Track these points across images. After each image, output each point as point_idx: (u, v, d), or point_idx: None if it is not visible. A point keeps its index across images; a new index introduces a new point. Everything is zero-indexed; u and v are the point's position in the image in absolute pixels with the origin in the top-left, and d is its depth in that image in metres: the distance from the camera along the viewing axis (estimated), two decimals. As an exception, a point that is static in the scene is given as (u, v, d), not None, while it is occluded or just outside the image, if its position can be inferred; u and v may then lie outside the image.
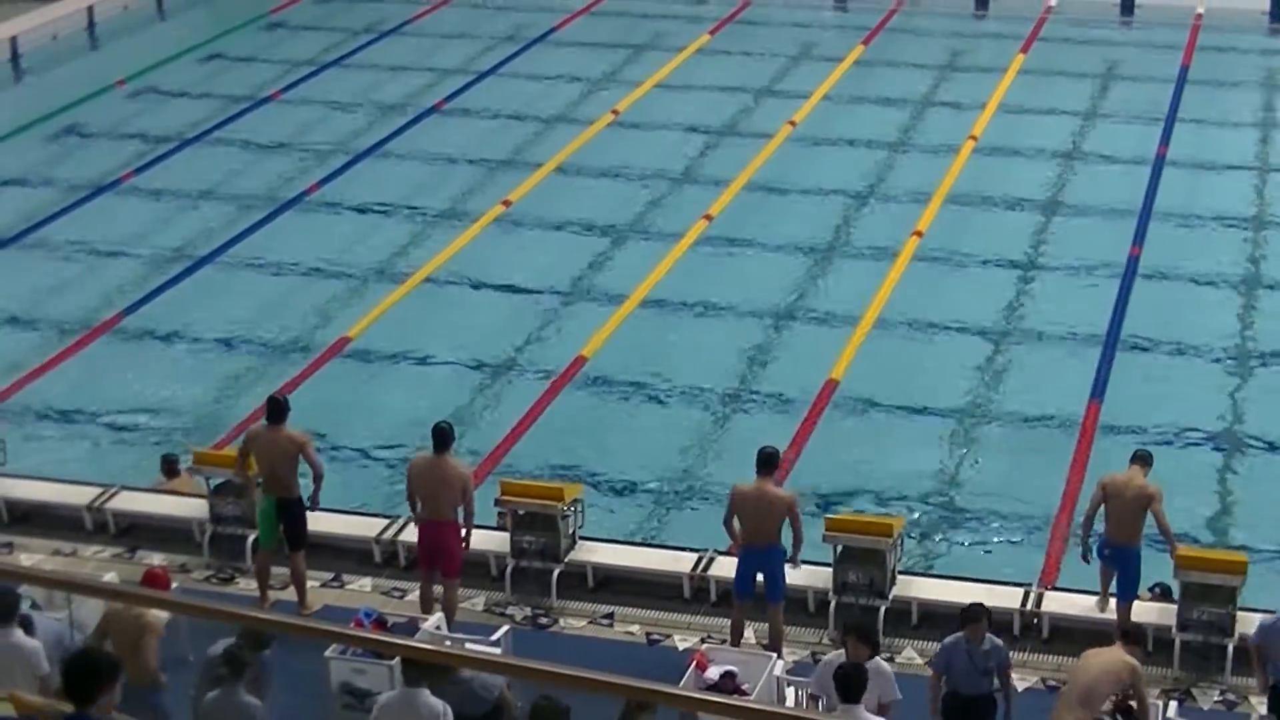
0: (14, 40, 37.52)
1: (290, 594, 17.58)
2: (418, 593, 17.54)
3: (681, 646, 17.09)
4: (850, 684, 13.41)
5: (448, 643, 15.22)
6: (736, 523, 16.62)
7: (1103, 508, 16.90)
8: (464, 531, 17.00)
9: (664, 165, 30.68)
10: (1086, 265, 26.43)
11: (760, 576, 16.64)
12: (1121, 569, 16.93)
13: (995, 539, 19.89)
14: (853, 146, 31.59)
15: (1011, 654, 16.82)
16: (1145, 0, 39.69)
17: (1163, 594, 17.51)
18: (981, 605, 15.28)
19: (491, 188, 29.73)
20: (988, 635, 15.05)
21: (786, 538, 16.62)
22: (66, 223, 28.33)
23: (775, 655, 16.07)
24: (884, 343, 23.97)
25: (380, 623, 16.10)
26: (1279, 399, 22.83)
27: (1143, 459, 17.10)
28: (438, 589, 17.20)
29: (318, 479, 17.25)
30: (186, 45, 37.77)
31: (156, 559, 18.67)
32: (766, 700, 14.72)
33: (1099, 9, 39.58)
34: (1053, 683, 16.29)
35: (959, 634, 15.02)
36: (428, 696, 13.75)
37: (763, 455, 16.62)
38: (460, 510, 16.96)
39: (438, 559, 17.02)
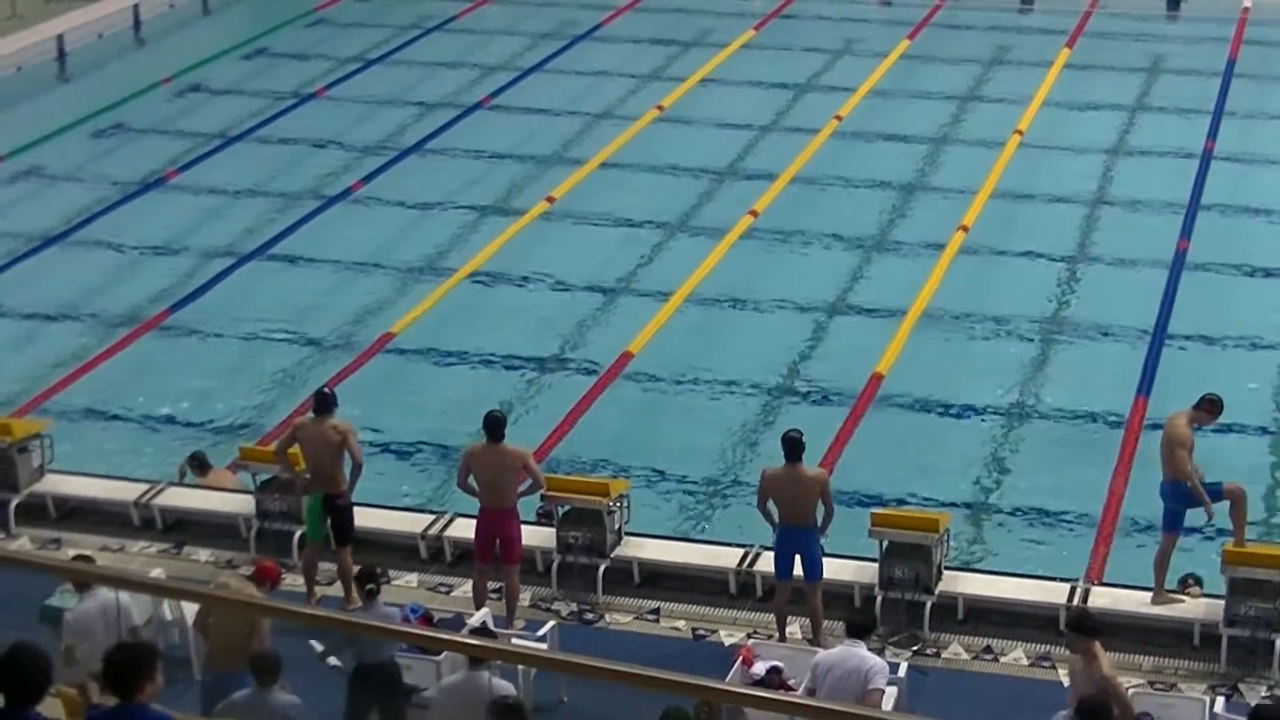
0: (60, 38, 37.71)
1: (337, 590, 17.62)
2: (467, 587, 17.59)
3: (728, 642, 17.08)
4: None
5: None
6: (771, 505, 16.71)
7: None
8: (529, 489, 17.18)
9: (709, 161, 30.66)
10: (1133, 260, 26.34)
11: (798, 557, 16.67)
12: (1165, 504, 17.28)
13: (1041, 534, 19.82)
14: (898, 141, 31.53)
15: (1058, 649, 16.85)
16: (1191, -6, 39.58)
17: (1194, 583, 17.51)
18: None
19: (536, 184, 29.75)
20: None
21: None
22: (112, 220, 28.48)
23: (821, 649, 16.04)
24: (929, 337, 23.92)
25: (426, 618, 16.14)
26: (1328, 393, 22.74)
27: (1203, 404, 17.16)
28: (491, 584, 17.28)
29: (355, 470, 17.30)
30: (231, 43, 37.96)
31: (203, 554, 18.77)
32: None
33: (1145, 3, 39.39)
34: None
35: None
36: (487, 678, 13.77)
37: (789, 440, 16.66)
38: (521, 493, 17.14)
39: (498, 547, 17.07)
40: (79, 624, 14.70)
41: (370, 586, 15.42)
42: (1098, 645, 14.12)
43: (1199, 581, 17.55)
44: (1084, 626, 14.36)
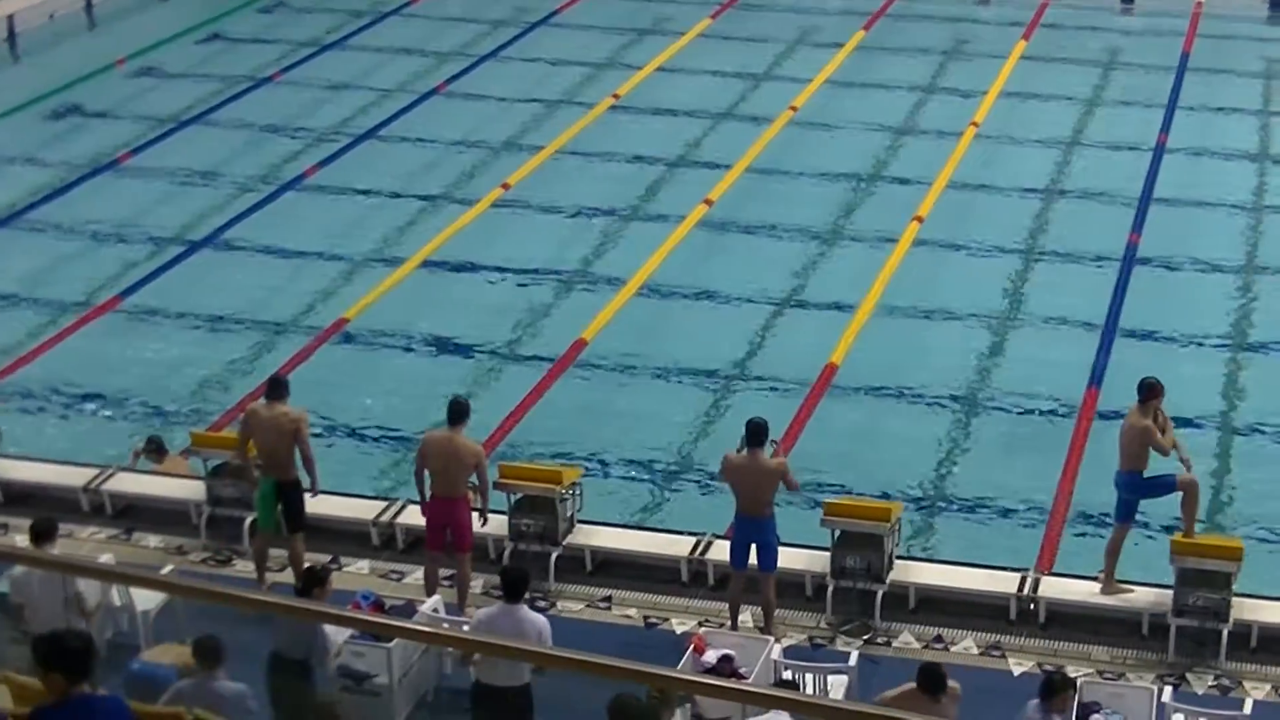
0: (11, 19, 37.44)
1: (288, 576, 17.56)
2: (419, 573, 17.59)
3: (679, 630, 17.11)
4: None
5: (445, 625, 15.24)
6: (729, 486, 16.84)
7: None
8: (480, 507, 17.11)
9: (664, 149, 30.65)
10: (1086, 252, 26.44)
11: (754, 547, 16.71)
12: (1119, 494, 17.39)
13: (993, 524, 19.90)
14: (854, 132, 31.55)
15: (1008, 638, 16.94)
16: (1146, -12, 39.76)
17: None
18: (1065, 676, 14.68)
19: (491, 171, 29.71)
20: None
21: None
22: (65, 203, 28.32)
23: (773, 639, 16.12)
24: (884, 328, 23.97)
25: (378, 605, 16.12)
26: (1277, 385, 22.86)
27: (1145, 393, 17.17)
28: (443, 571, 17.27)
29: (307, 462, 17.26)
30: (186, 26, 37.73)
31: (153, 541, 18.69)
32: (764, 684, 14.73)
33: (1100, -4, 39.58)
34: (1049, 667, 16.28)
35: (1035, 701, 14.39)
36: (528, 611, 14.79)
37: (751, 427, 16.69)
38: (472, 485, 17.06)
39: (449, 535, 17.04)
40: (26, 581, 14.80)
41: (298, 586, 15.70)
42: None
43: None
44: (944, 681, 14.17)
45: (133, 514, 19.27)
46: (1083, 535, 19.02)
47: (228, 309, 24.76)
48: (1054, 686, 14.23)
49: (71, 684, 8.93)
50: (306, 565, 16.59)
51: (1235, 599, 16.72)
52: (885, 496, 19.52)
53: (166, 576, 14.82)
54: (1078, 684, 14.77)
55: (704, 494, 19.95)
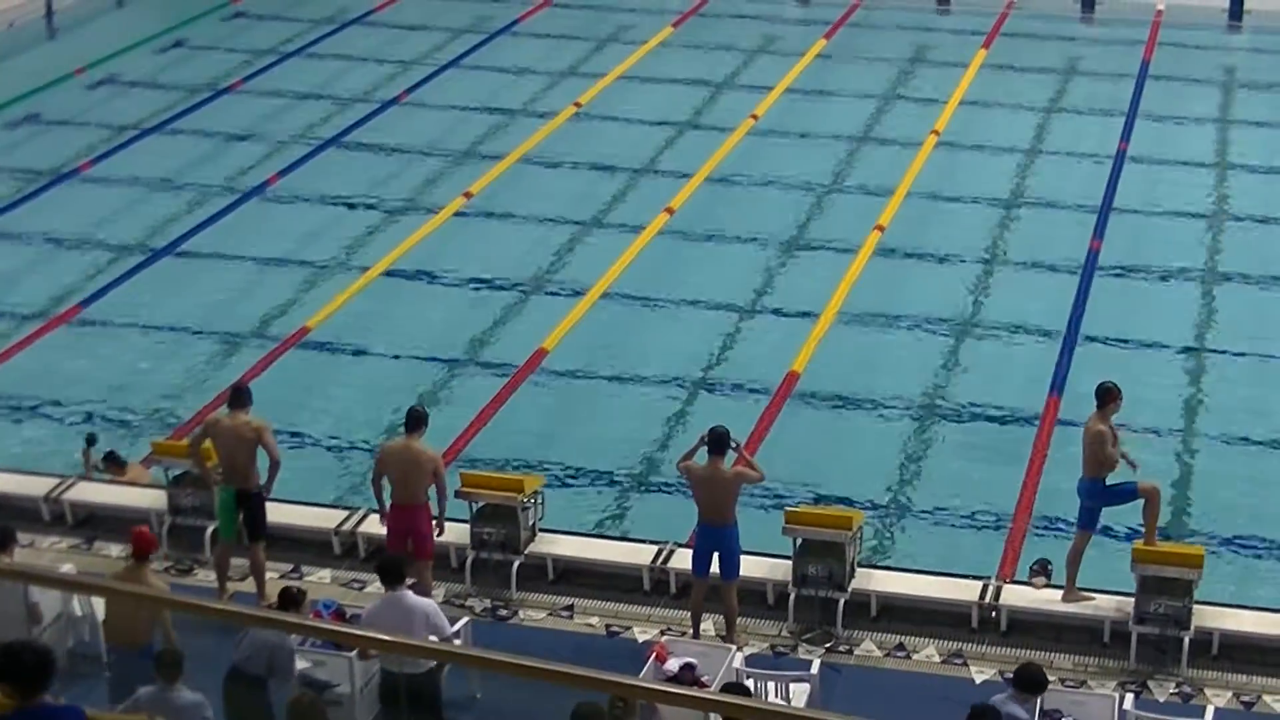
0: (-30, 28, 37.35)
1: (249, 585, 17.53)
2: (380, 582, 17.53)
3: (641, 639, 17.10)
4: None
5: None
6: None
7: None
8: (437, 515, 17.05)
9: (626, 158, 30.65)
10: (1047, 259, 26.52)
11: (716, 555, 16.73)
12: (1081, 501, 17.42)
13: (954, 532, 19.92)
14: (815, 140, 31.61)
15: (970, 646, 16.98)
16: (1106, -4, 39.95)
17: (1041, 570, 17.69)
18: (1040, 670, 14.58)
19: (453, 180, 29.68)
20: None
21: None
22: (24, 212, 28.21)
23: (734, 647, 16.12)
24: (845, 336, 24.01)
25: (339, 614, 16.09)
26: (1237, 392, 22.96)
27: (1103, 398, 17.20)
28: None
29: (273, 467, 17.19)
30: (146, 34, 37.61)
31: (114, 550, 18.61)
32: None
33: (1060, 5, 39.70)
34: (1009, 675, 16.32)
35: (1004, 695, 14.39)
36: (411, 596, 15.04)
37: (713, 436, 16.69)
38: (432, 493, 17.03)
39: (408, 542, 16.99)
40: None
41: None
42: None
43: (1046, 567, 17.81)
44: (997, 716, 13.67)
45: (94, 523, 19.20)
46: (1045, 543, 19.03)
47: (189, 318, 24.68)
48: (1037, 683, 14.08)
49: (28, 697, 8.87)
50: (283, 585, 16.49)
51: (1196, 606, 16.77)
52: (847, 504, 19.55)
53: (127, 585, 14.76)
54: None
55: (666, 502, 19.94)
